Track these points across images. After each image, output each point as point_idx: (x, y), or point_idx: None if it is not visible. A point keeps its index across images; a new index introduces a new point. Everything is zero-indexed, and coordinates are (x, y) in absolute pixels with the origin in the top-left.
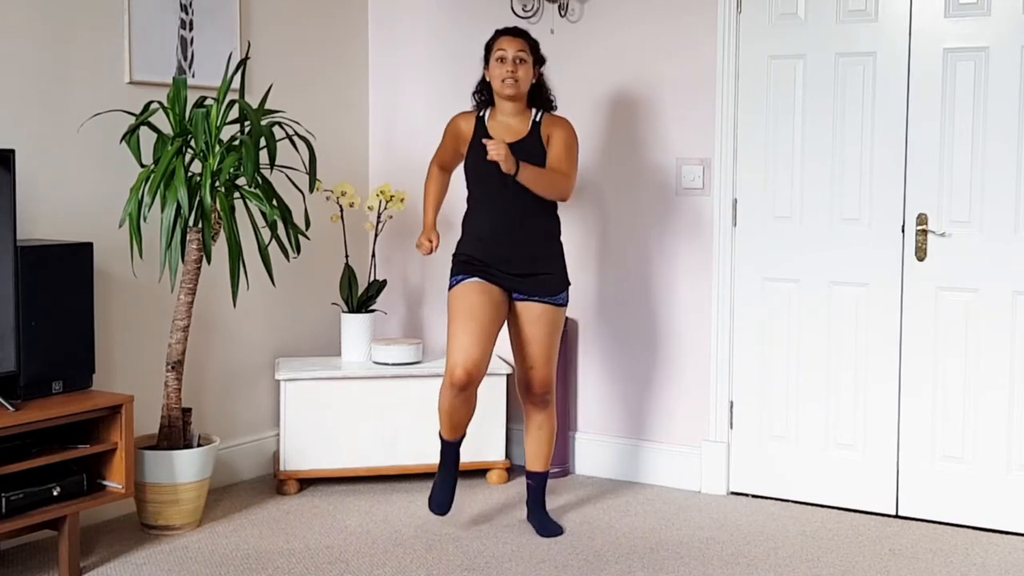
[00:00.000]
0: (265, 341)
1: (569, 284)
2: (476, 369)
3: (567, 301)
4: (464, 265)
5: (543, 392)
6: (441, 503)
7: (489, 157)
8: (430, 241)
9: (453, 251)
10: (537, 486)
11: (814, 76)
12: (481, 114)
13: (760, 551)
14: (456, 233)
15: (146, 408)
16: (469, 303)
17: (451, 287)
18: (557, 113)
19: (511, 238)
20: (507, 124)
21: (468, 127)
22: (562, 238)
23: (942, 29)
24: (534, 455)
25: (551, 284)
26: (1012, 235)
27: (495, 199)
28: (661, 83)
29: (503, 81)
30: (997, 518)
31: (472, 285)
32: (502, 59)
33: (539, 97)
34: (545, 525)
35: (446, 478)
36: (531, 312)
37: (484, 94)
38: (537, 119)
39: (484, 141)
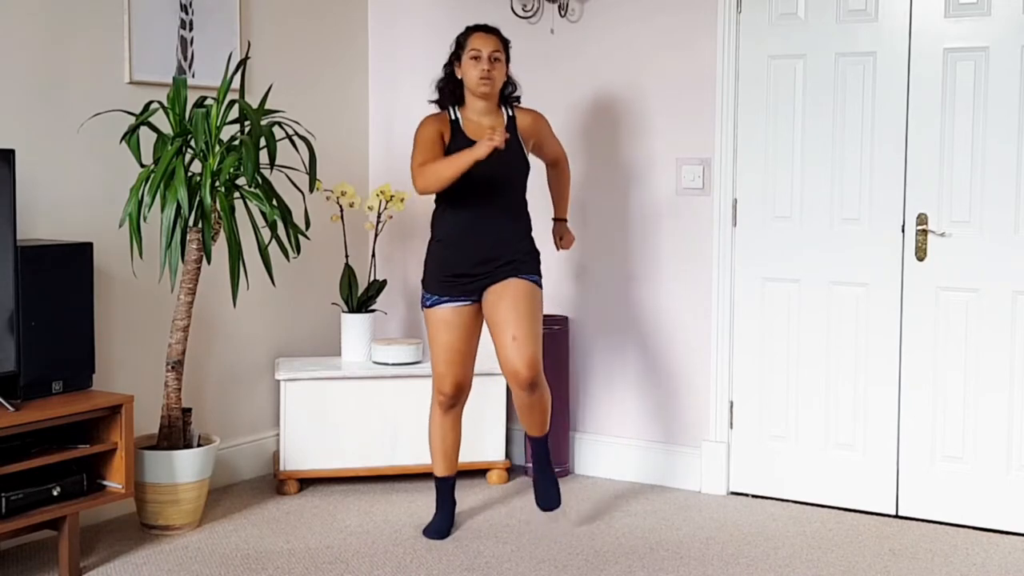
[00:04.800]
0: (265, 341)
1: (541, 275)
2: (464, 380)
3: (542, 285)
4: (439, 283)
5: (533, 375)
6: (440, 531)
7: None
8: (497, 132)
9: (427, 255)
10: (538, 445)
11: (814, 76)
12: (453, 118)
13: (760, 551)
14: (426, 237)
15: (146, 408)
16: (447, 334)
17: (426, 304)
18: (525, 106)
19: (496, 232)
20: (480, 123)
21: (446, 129)
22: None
23: (942, 29)
24: (529, 424)
25: (526, 264)
26: (1012, 235)
27: (482, 197)
28: (661, 83)
29: (480, 80)
30: (997, 518)
31: (446, 312)
32: (476, 57)
33: (504, 92)
34: (546, 491)
35: (444, 517)
36: (508, 287)
37: (449, 90)
38: (510, 114)
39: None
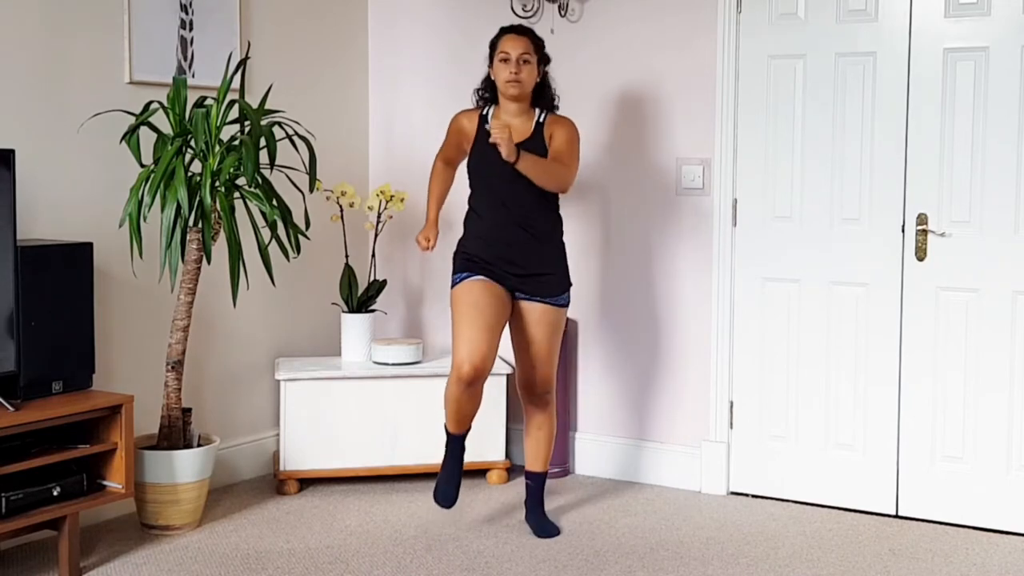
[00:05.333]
0: (265, 341)
1: (571, 284)
2: (483, 364)
3: (568, 301)
4: (467, 263)
5: (544, 391)
6: (447, 495)
7: (491, 139)
8: (428, 240)
9: (455, 249)
10: (536, 487)
11: (814, 76)
12: (484, 112)
13: (760, 551)
14: (457, 232)
15: (146, 408)
16: (473, 299)
17: (454, 284)
18: (560, 113)
19: (513, 238)
20: (510, 124)
21: (471, 125)
22: (564, 238)
23: (942, 29)
24: (533, 455)
25: (553, 284)
26: (1012, 235)
27: (497, 198)
28: (661, 83)
29: (507, 82)
30: (997, 518)
31: (475, 283)
32: (505, 59)
33: (542, 97)
34: (543, 526)
35: (452, 470)
36: (533, 312)
37: (488, 92)
38: (541, 120)
39: (489, 125)
